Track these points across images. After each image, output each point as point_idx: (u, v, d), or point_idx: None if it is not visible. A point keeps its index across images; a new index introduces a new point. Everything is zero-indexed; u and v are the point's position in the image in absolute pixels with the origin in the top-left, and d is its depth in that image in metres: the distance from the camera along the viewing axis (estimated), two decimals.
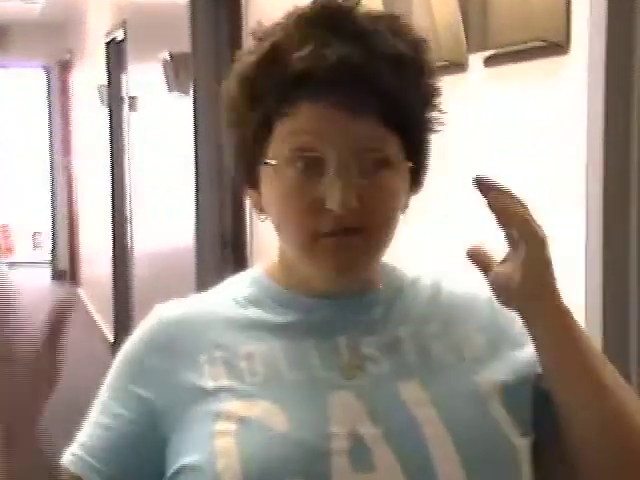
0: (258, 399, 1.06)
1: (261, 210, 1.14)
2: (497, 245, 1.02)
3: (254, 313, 1.14)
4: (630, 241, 1.77)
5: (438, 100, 1.12)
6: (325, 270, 1.09)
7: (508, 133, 2.10)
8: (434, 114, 1.12)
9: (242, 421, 1.05)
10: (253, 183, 1.13)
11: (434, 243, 2.41)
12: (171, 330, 1.13)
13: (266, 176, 1.10)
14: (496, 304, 1.12)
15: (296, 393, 1.07)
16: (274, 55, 1.07)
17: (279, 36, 1.08)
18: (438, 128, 1.13)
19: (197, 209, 4.66)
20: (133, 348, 1.15)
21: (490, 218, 1.07)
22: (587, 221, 1.78)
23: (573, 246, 1.81)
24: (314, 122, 1.05)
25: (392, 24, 1.11)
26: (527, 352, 1.14)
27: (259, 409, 1.05)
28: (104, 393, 1.15)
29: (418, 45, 1.11)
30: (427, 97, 1.12)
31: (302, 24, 1.08)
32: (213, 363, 1.10)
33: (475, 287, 1.22)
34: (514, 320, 1.13)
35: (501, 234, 1.08)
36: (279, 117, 1.07)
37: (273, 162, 1.07)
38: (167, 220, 5.62)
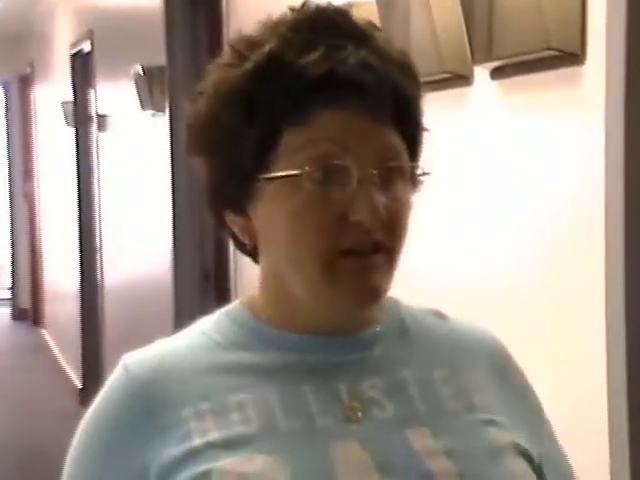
0: (255, 452, 1.06)
1: (250, 237, 1.14)
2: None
3: (239, 356, 1.14)
4: None
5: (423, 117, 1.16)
6: (347, 297, 1.09)
7: (517, 153, 2.11)
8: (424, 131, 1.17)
9: (241, 479, 1.04)
10: (241, 207, 1.13)
11: (435, 269, 2.42)
12: (145, 389, 1.12)
13: (269, 194, 1.10)
14: (507, 354, 1.19)
15: (296, 445, 1.07)
16: (275, 63, 1.09)
17: (274, 43, 1.10)
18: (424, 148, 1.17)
19: (175, 238, 4.66)
20: (104, 425, 1.13)
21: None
22: (606, 261, 1.79)
23: (591, 279, 1.82)
24: (336, 129, 1.08)
25: (381, 32, 1.15)
26: (538, 426, 1.18)
27: (258, 464, 1.05)
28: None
29: (409, 57, 1.16)
30: (421, 111, 1.16)
31: (301, 29, 1.10)
32: (200, 417, 1.08)
33: (482, 324, 1.24)
34: (526, 383, 1.20)
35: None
36: (291, 127, 1.08)
37: (292, 172, 1.08)
38: (141, 251, 5.62)
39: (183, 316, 4.45)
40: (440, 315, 1.23)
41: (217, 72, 1.13)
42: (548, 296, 2.02)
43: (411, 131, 1.13)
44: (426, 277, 2.42)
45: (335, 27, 1.10)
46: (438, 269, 2.42)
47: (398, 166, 1.10)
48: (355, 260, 1.08)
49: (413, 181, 1.13)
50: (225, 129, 1.11)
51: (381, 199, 1.07)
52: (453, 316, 1.24)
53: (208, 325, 1.19)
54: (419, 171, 1.14)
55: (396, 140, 1.10)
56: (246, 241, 1.16)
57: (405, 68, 1.13)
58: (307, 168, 1.07)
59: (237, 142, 1.11)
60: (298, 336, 1.13)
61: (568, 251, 1.94)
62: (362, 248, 1.08)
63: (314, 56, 1.07)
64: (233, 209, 1.15)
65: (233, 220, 1.15)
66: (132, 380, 1.13)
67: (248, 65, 1.10)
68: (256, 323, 1.16)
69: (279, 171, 1.09)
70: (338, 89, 1.07)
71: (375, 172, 1.08)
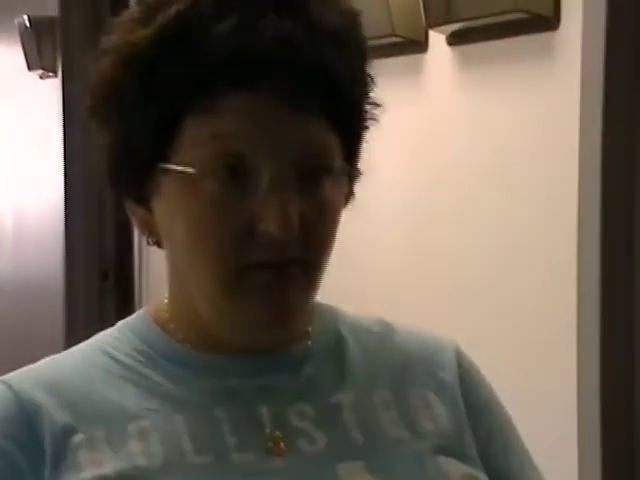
0: None
1: (151, 233, 1.15)
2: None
3: (142, 377, 1.15)
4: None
5: (373, 90, 1.14)
6: (253, 316, 1.10)
7: (478, 131, 2.15)
8: (370, 107, 1.15)
9: None
10: (141, 197, 1.14)
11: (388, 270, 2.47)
12: (29, 408, 1.12)
13: (170, 188, 1.11)
14: (468, 366, 1.21)
15: None
16: (179, 31, 1.08)
17: (184, 4, 1.09)
18: (371, 126, 1.15)
19: (67, 227, 4.63)
20: None
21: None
22: (579, 253, 1.85)
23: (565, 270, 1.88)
24: (245, 122, 1.07)
25: None
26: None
27: None
28: None
29: (354, 18, 1.14)
30: (367, 85, 1.14)
31: None
32: (92, 445, 1.10)
33: (437, 334, 1.27)
34: (490, 399, 1.22)
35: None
36: (193, 114, 1.08)
37: (188, 170, 1.08)
38: (25, 243, 5.59)
39: (76, 323, 4.41)
40: (387, 325, 1.24)
41: (122, 28, 1.13)
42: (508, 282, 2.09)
43: (348, 122, 1.11)
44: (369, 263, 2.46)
45: None
46: (381, 256, 2.46)
47: (324, 165, 1.09)
48: (264, 273, 1.08)
49: (348, 181, 1.13)
50: (123, 100, 1.12)
51: (297, 206, 1.07)
52: (406, 325, 1.25)
53: (107, 339, 1.19)
54: (355, 172, 1.14)
55: (325, 134, 1.09)
56: (146, 237, 1.17)
57: (342, 42, 1.10)
58: (207, 166, 1.07)
59: (135, 119, 1.11)
60: (212, 355, 1.15)
61: (538, 240, 1.99)
62: (273, 261, 1.08)
63: (224, 27, 1.06)
64: (132, 197, 1.15)
65: (133, 210, 1.16)
66: (17, 396, 1.13)
67: (152, 27, 1.10)
68: (162, 338, 1.17)
69: (178, 163, 1.09)
70: (249, 71, 1.06)
71: (292, 173, 1.07)
